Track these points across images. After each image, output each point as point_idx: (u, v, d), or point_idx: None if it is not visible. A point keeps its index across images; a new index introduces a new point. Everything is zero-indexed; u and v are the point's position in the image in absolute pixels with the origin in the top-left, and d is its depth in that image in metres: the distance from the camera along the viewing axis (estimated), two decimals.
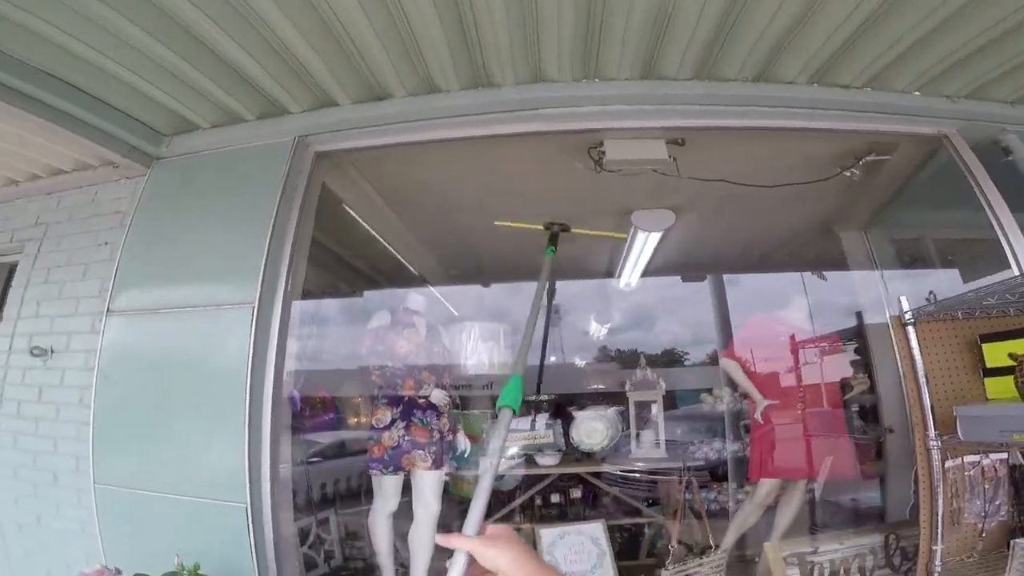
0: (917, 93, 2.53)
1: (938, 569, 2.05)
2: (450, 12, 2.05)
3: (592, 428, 3.23)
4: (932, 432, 2.10)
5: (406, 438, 2.88)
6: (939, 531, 2.07)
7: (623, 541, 3.44)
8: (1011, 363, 2.03)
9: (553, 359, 6.16)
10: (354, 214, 3.27)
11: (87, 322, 2.63)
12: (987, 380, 2.17)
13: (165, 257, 2.49)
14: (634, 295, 5.77)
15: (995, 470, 2.12)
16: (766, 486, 3.09)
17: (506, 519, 3.36)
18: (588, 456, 3.34)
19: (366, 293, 4.39)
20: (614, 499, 3.57)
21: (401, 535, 3.01)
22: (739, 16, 2.07)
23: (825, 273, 3.86)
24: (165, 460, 2.30)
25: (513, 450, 3.32)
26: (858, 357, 3.36)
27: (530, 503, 3.43)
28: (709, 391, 3.67)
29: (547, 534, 2.98)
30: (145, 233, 2.56)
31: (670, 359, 6.62)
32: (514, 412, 1.18)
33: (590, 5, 2.05)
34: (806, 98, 2.49)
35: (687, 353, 6.53)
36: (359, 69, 2.33)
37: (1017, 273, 2.13)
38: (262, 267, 2.28)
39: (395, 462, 2.84)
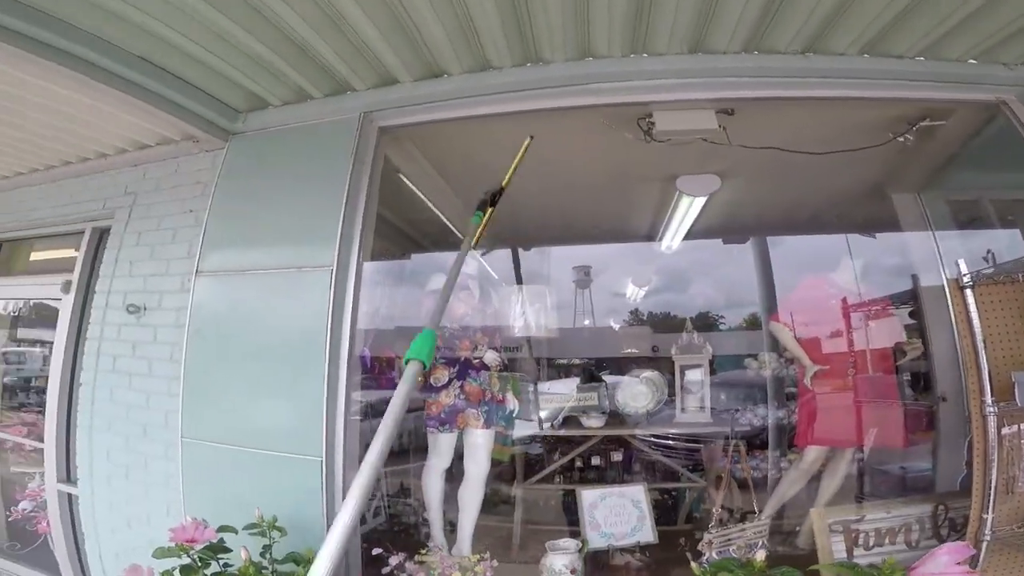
0: (973, 61, 2.50)
1: (987, 538, 2.03)
2: None
3: (637, 391, 3.33)
4: (989, 398, 2.06)
5: (461, 397, 3.03)
6: (991, 500, 2.03)
7: (662, 505, 3.52)
8: None
9: (587, 322, 6.20)
10: (410, 183, 3.44)
11: (177, 281, 2.89)
12: None
13: (247, 223, 2.72)
14: (667, 257, 5.69)
15: None
16: (812, 453, 3.08)
17: (546, 480, 3.49)
18: (628, 419, 3.43)
19: (416, 257, 4.58)
20: (653, 464, 3.66)
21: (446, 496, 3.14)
22: None
23: (876, 235, 3.79)
24: (246, 415, 2.53)
25: (544, 413, 3.43)
26: (912, 321, 3.29)
27: (570, 465, 3.56)
28: (754, 356, 3.64)
29: (588, 495, 3.10)
30: (227, 201, 2.79)
31: (704, 323, 6.35)
32: (424, 366, 1.22)
33: None
34: (858, 68, 2.50)
35: (722, 317, 6.32)
36: (418, 47, 2.46)
37: None
38: (338, 233, 2.49)
39: (450, 420, 2.99)
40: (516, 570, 3.04)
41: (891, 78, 2.52)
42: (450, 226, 4.10)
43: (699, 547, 2.71)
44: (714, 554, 2.68)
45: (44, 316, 3.75)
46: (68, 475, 3.27)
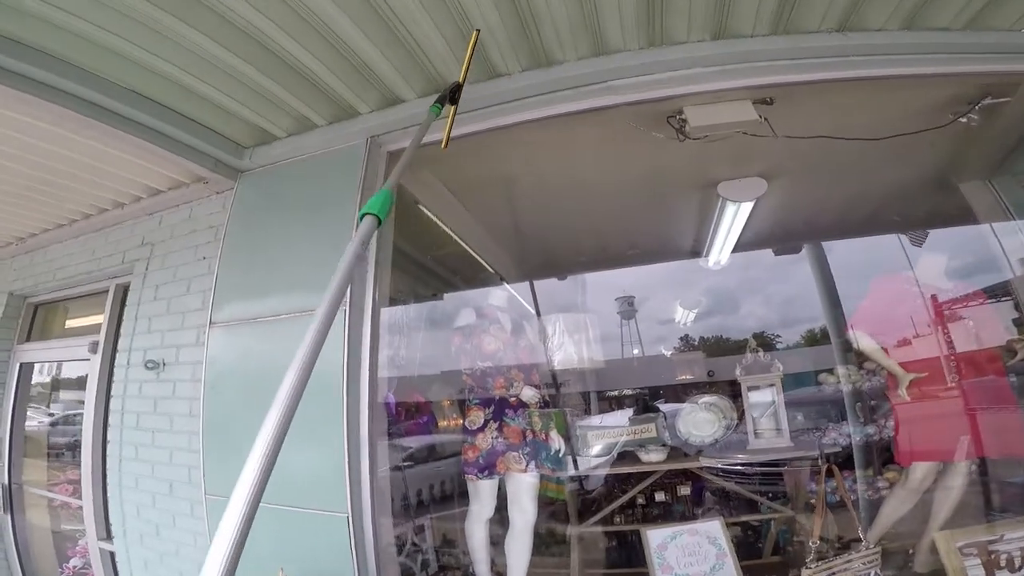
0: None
1: None
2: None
3: (702, 419, 2.98)
4: None
5: (500, 439, 2.79)
6: None
7: (743, 540, 3.18)
8: None
9: (636, 352, 5.91)
10: (428, 212, 3.26)
11: (193, 335, 2.79)
12: None
13: (257, 267, 2.58)
14: (713, 276, 5.47)
15: None
16: (920, 470, 2.72)
17: (605, 521, 3.17)
18: (693, 450, 3.09)
19: (444, 294, 4.37)
20: (727, 495, 3.31)
21: (495, 541, 2.90)
22: None
23: (939, 231, 3.40)
24: (272, 470, 2.34)
25: (597, 448, 3.13)
26: (1017, 314, 2.90)
27: (631, 502, 3.22)
28: (830, 371, 3.25)
29: (655, 535, 2.77)
30: (238, 245, 2.68)
31: (761, 343, 6.25)
32: (379, 221, 1.09)
33: None
34: (901, 43, 2.25)
35: (778, 336, 6.10)
36: (419, 60, 2.31)
37: None
38: None
39: (490, 465, 2.74)
40: None
41: (939, 51, 2.26)
42: (476, 256, 3.90)
43: None
44: None
45: (82, 377, 3.78)
46: (108, 533, 3.22)
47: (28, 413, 4.07)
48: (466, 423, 2.85)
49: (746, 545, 3.16)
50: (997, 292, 2.98)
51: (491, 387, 2.84)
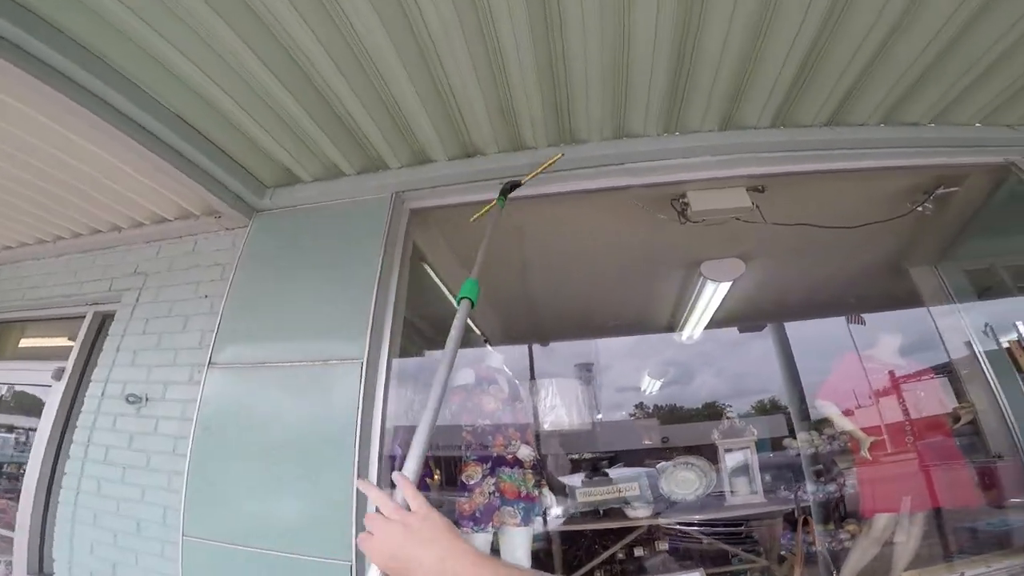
0: (979, 125, 2.61)
1: None
2: (546, 78, 2.22)
3: (684, 478, 3.16)
4: None
5: (496, 495, 2.81)
6: None
7: None
8: None
9: (599, 416, 6.07)
10: (432, 272, 3.32)
11: (185, 373, 2.70)
12: None
13: (269, 311, 2.54)
14: (669, 349, 5.71)
15: None
16: (882, 520, 3.05)
17: None
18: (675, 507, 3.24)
19: (425, 353, 4.37)
20: (700, 551, 3.45)
21: None
22: (815, 66, 2.21)
23: (891, 313, 3.83)
24: (264, 515, 2.26)
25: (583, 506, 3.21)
26: (971, 386, 3.27)
27: (610, 559, 3.29)
28: (793, 436, 3.59)
29: None
30: (248, 286, 2.63)
31: (713, 412, 6.54)
32: (473, 304, 1.29)
33: (679, 66, 2.20)
34: (878, 138, 2.59)
35: (729, 405, 6.42)
36: (456, 124, 2.47)
37: None
38: (369, 323, 2.33)
39: (486, 519, 2.74)
40: None
41: (909, 145, 2.61)
42: (469, 322, 3.96)
43: None
44: None
45: (22, 402, 3.58)
46: (40, 566, 2.96)
47: None
48: (463, 478, 2.85)
49: None
50: (940, 369, 3.38)
51: (491, 444, 2.89)
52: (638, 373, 6.26)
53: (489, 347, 4.29)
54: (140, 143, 2.21)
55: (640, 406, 6.44)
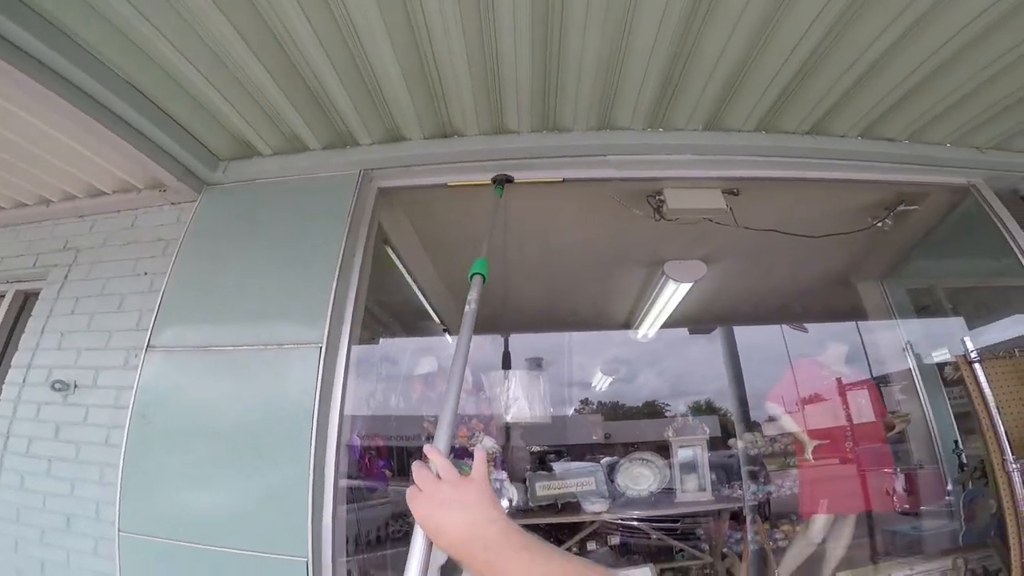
0: (949, 145, 2.70)
1: None
2: (539, 64, 2.11)
3: (638, 474, 3.19)
4: (1010, 456, 2.22)
5: None
6: None
7: None
8: None
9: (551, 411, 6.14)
10: (393, 255, 3.16)
11: (120, 357, 2.46)
12: None
13: (218, 291, 2.34)
14: (615, 348, 5.84)
15: None
16: (819, 522, 3.16)
17: None
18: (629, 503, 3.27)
19: (380, 339, 4.22)
20: (648, 545, 3.48)
21: None
22: (809, 74, 2.20)
23: (839, 323, 4.02)
24: (211, 509, 2.09)
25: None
26: (903, 397, 3.51)
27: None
28: (735, 436, 3.73)
29: None
30: (194, 263, 2.41)
31: (651, 410, 6.59)
32: (484, 280, 1.35)
33: (672, 69, 2.16)
34: (855, 150, 2.63)
35: (668, 405, 6.49)
36: (438, 105, 2.33)
37: None
38: (330, 306, 2.18)
39: None
40: None
41: (882, 160, 2.67)
42: (429, 310, 3.84)
43: None
44: None
45: None
46: None
47: None
48: None
49: None
50: (879, 380, 3.59)
51: (455, 436, 2.80)
52: (584, 370, 6.37)
53: (448, 337, 4.18)
54: (76, 106, 1.95)
55: (585, 402, 6.58)
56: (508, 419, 3.20)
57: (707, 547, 3.48)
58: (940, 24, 1.91)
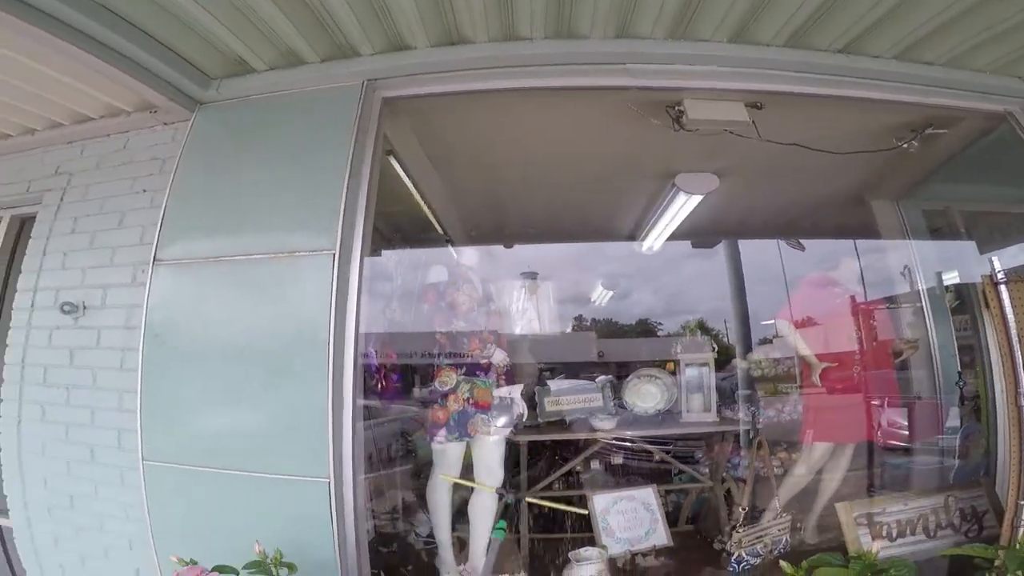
0: (988, 73, 2.57)
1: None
2: None
3: (646, 391, 3.22)
4: None
5: (471, 402, 2.75)
6: None
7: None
8: None
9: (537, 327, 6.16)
10: (397, 166, 3.07)
11: (127, 273, 2.42)
12: None
13: (222, 202, 2.29)
14: (612, 263, 5.80)
15: None
16: (820, 449, 3.10)
17: (548, 488, 3.27)
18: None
19: (383, 251, 4.15)
20: (649, 466, 3.58)
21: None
22: None
23: (854, 242, 3.90)
24: (231, 432, 2.13)
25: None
26: (913, 319, 3.45)
27: (570, 471, 3.38)
28: (743, 357, 3.70)
29: (600, 500, 2.96)
30: (195, 177, 2.35)
31: (643, 329, 6.68)
32: None
33: None
34: (889, 71, 2.50)
35: (660, 323, 6.58)
36: (443, 8, 2.16)
37: None
38: (341, 213, 2.13)
39: (460, 428, 2.70)
40: None
41: (917, 83, 2.54)
42: (429, 215, 3.76)
43: (727, 547, 2.71)
44: (744, 553, 2.65)
45: None
46: None
47: None
48: (436, 384, 2.78)
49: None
50: (890, 301, 3.54)
51: (466, 348, 2.80)
52: (580, 285, 6.30)
53: (451, 247, 4.13)
54: (61, 38, 1.87)
55: (579, 319, 6.56)
56: (517, 331, 3.21)
57: (707, 471, 3.52)
58: None
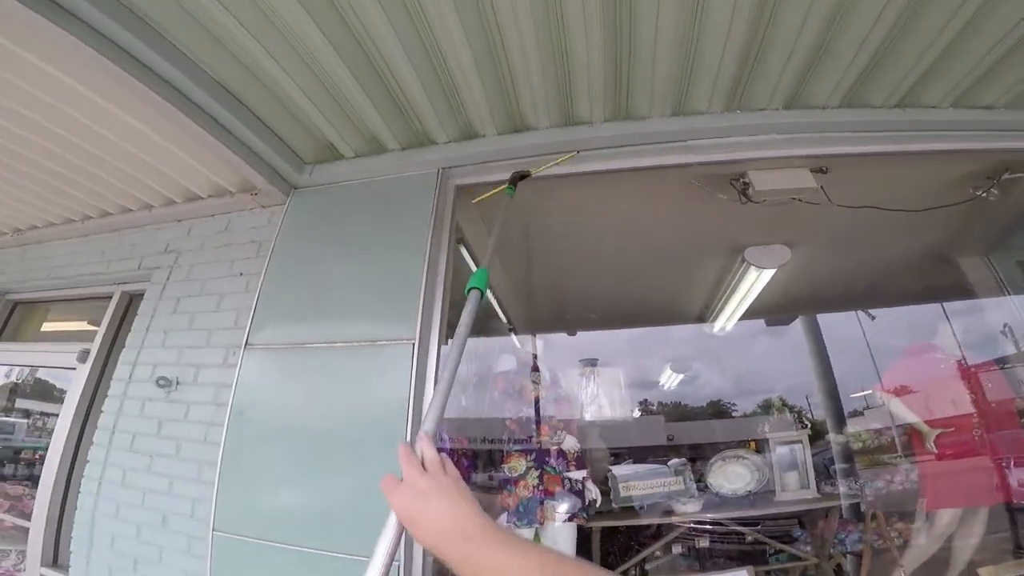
0: None
1: None
2: (611, 48, 2.10)
3: (733, 472, 3.06)
4: None
5: (540, 488, 2.69)
6: None
7: None
8: None
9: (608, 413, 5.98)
10: (466, 253, 3.18)
11: (219, 354, 2.57)
12: None
13: (310, 290, 2.42)
14: (675, 346, 5.75)
15: None
16: (946, 516, 2.98)
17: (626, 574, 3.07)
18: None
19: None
20: (740, 548, 3.33)
21: None
22: (893, 46, 2.09)
23: (940, 304, 3.72)
24: (304, 510, 2.13)
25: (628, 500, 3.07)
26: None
27: (645, 557, 3.16)
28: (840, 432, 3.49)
29: None
30: (287, 263, 2.51)
31: (716, 410, 6.43)
32: (482, 295, 1.33)
33: (749, 47, 2.09)
34: (948, 120, 2.45)
35: (734, 404, 6.32)
36: (508, 98, 2.35)
37: None
38: (420, 303, 2.21)
39: (529, 515, 2.62)
40: None
41: (979, 129, 2.48)
42: (498, 310, 3.84)
43: None
44: None
45: (41, 386, 3.50)
46: (55, 559, 2.83)
47: None
48: (506, 469, 2.73)
49: None
50: (1000, 362, 3.27)
51: (536, 434, 2.76)
52: (646, 369, 6.16)
53: (514, 336, 4.17)
54: (181, 111, 2.11)
55: (644, 403, 6.37)
56: (587, 417, 3.14)
57: (808, 548, 3.28)
58: None
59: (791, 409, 4.44)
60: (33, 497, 2.98)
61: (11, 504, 3.26)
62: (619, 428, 4.58)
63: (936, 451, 3.02)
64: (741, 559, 3.22)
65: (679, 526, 3.10)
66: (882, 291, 4.22)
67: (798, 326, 4.82)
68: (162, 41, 1.96)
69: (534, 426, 2.78)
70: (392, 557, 0.88)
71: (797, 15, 1.95)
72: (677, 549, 3.27)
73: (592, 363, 5.09)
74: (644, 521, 3.05)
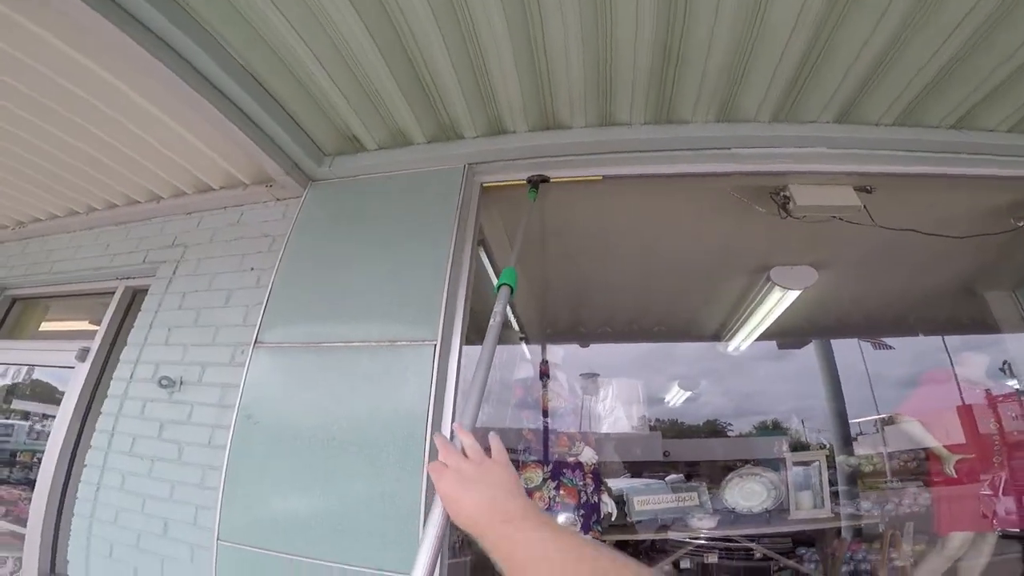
0: None
1: None
2: (660, 49, 1.97)
3: (750, 490, 3.02)
4: None
5: (557, 500, 2.60)
6: None
7: None
8: None
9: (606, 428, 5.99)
10: (484, 257, 3.04)
11: (226, 353, 2.44)
12: None
13: (325, 286, 2.27)
14: (679, 364, 5.84)
15: None
16: (958, 539, 3.04)
17: None
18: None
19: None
20: (742, 567, 3.29)
21: None
22: (961, 63, 1.98)
23: (962, 337, 3.71)
24: (315, 519, 2.00)
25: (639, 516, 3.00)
26: None
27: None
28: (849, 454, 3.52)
29: None
30: (301, 260, 2.36)
31: (712, 429, 6.54)
32: (512, 291, 1.35)
33: (809, 54, 1.97)
34: (1005, 145, 2.35)
35: (730, 424, 6.42)
36: (543, 94, 2.21)
37: None
38: (443, 303, 2.08)
39: None
40: None
41: None
42: (511, 317, 3.71)
43: None
44: None
45: (38, 387, 3.34)
46: (52, 567, 2.68)
47: None
48: (521, 480, 2.64)
49: None
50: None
51: (554, 445, 2.67)
52: (650, 385, 6.21)
53: (525, 345, 4.06)
54: (206, 97, 1.97)
55: (643, 419, 6.48)
56: (604, 430, 3.06)
57: (812, 565, 3.30)
58: None
59: (785, 431, 4.55)
60: (30, 501, 2.84)
61: (7, 509, 3.12)
62: (629, 441, 4.54)
63: (955, 475, 3.09)
64: (750, 575, 3.20)
65: (689, 542, 3.06)
66: (905, 320, 4.16)
67: (810, 350, 4.76)
68: (195, 25, 1.83)
69: (552, 438, 2.68)
70: (441, 540, 0.89)
71: (865, 26, 1.83)
72: (685, 564, 3.23)
73: (593, 376, 5.02)
74: (659, 536, 2.99)
